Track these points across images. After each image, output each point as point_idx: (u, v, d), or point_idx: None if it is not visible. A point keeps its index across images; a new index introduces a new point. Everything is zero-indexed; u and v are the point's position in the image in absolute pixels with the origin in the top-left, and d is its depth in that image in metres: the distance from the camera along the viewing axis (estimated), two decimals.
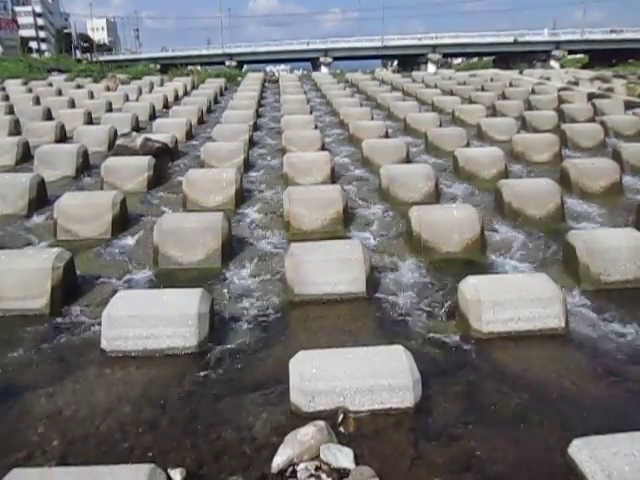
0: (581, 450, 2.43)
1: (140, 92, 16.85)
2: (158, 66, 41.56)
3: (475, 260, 5.10)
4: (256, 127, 11.80)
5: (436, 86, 18.11)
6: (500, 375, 3.28)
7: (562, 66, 46.51)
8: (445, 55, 66.99)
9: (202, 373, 3.34)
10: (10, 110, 13.47)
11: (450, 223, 5.24)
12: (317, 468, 2.49)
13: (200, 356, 3.50)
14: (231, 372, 3.35)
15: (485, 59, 67.52)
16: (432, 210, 5.53)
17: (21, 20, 79.71)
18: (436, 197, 6.79)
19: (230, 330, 3.88)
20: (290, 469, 2.50)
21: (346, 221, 5.93)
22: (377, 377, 2.90)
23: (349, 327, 3.91)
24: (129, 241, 5.65)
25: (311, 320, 4.05)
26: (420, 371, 2.99)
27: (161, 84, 19.69)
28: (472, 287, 3.84)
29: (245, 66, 55.74)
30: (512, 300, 3.73)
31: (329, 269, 4.32)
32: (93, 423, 2.89)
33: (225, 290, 4.53)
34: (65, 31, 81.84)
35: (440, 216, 5.35)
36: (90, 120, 12.27)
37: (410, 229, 5.34)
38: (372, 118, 11.83)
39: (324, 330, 3.88)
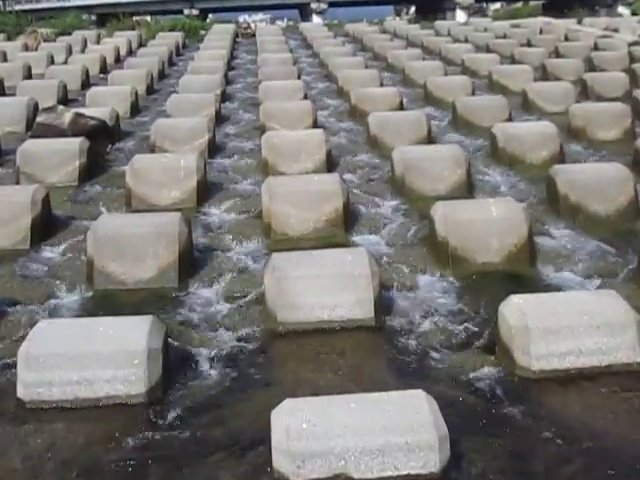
0: None
1: (69, 52, 16.88)
2: (93, 17, 41.63)
3: (521, 274, 5.12)
4: (225, 97, 11.83)
5: (467, 40, 18.21)
6: (555, 430, 3.27)
7: (634, 13, 46.83)
8: None
9: (153, 430, 3.32)
10: None
11: (487, 224, 5.27)
12: None
13: (151, 407, 3.49)
14: (192, 429, 3.34)
15: (532, 3, 67.91)
16: (463, 207, 5.55)
17: None
18: (468, 189, 6.83)
19: (191, 372, 3.87)
20: None
21: (347, 223, 5.95)
22: (390, 433, 2.89)
23: (352, 366, 3.92)
24: (54, 253, 5.64)
25: (301, 357, 4.06)
26: (447, 425, 2.98)
27: (97, 41, 19.73)
28: (517, 310, 3.84)
29: (210, 15, 55.83)
30: (571, 327, 3.73)
31: (325, 288, 4.32)
32: None
33: (184, 318, 4.52)
34: None
35: (473, 215, 5.37)
36: (2, 90, 12.26)
37: (433, 233, 5.35)
38: (381, 84, 11.88)
39: (318, 370, 3.88)
